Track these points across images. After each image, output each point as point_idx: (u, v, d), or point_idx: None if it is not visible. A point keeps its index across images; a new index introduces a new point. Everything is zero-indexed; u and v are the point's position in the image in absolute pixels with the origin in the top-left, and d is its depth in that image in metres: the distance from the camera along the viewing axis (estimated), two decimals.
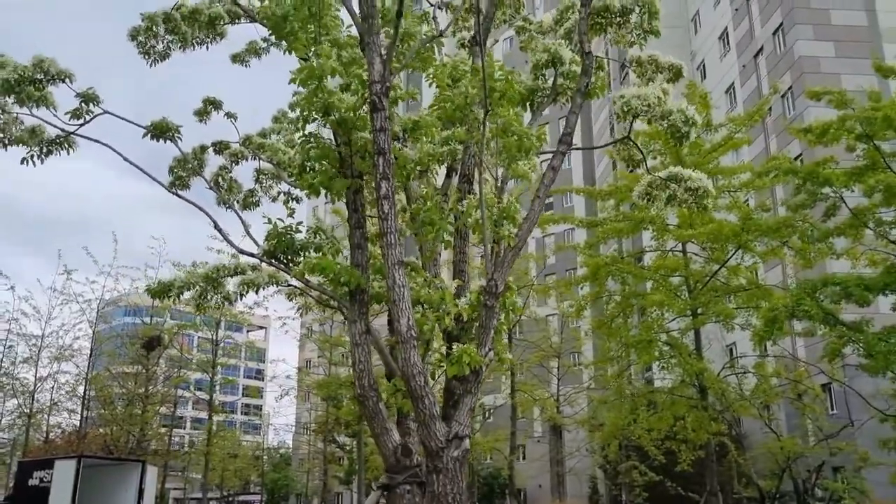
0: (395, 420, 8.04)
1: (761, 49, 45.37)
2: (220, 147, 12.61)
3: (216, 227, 9.53)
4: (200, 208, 9.68)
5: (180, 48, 11.31)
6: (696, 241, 23.69)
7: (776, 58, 43.64)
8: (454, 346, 7.06)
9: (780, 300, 20.58)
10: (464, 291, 7.96)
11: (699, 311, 22.89)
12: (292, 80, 8.01)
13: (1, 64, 8.60)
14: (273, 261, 8.69)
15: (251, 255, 8.88)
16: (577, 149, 12.03)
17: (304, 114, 7.96)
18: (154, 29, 10.93)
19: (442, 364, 7.20)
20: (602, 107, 59.31)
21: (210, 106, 12.89)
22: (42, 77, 8.79)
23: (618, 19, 8.97)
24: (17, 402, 37.32)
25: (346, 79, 7.47)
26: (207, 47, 12.21)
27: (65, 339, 36.55)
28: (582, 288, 28.86)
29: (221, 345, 42.31)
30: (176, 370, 40.85)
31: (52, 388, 37.28)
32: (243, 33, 32.13)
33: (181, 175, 11.94)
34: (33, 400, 37.39)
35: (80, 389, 36.65)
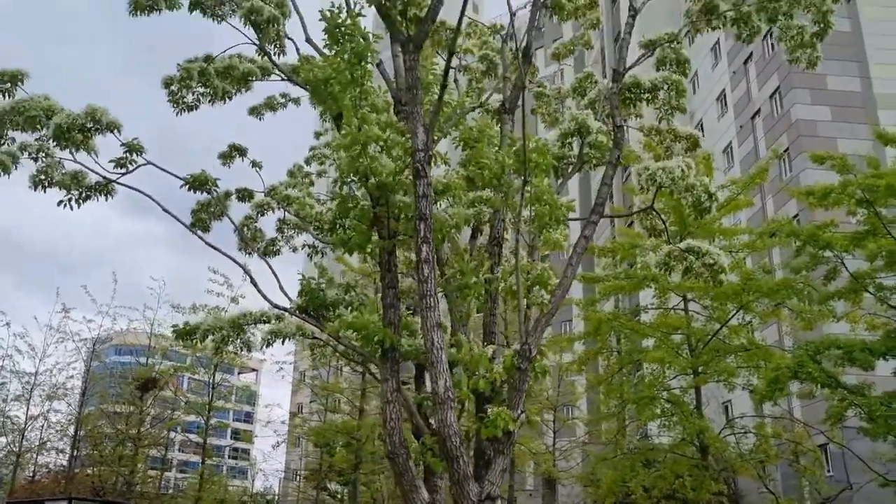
0: (422, 478, 8.16)
1: (758, 111, 46.32)
2: (244, 195, 12.91)
3: (250, 279, 9.75)
4: (232, 258, 9.93)
5: (209, 101, 11.67)
6: (697, 298, 23.99)
7: (773, 120, 44.55)
8: (488, 408, 7.24)
9: (781, 361, 20.81)
10: (496, 354, 8.18)
11: (700, 369, 23.08)
12: (334, 147, 8.31)
13: (51, 109, 8.89)
14: (305, 315, 8.88)
15: (284, 309, 9.09)
16: (608, 216, 12.38)
17: (344, 176, 8.23)
18: (187, 80, 11.29)
19: (475, 425, 7.36)
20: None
21: (235, 152, 13.26)
22: (92, 126, 9.08)
23: (646, 95, 9.37)
24: (5, 440, 36.85)
25: (387, 145, 7.78)
26: (232, 98, 12.60)
27: (58, 378, 36.28)
28: (583, 342, 29.01)
29: (217, 388, 42.07)
30: (169, 412, 40.49)
31: (43, 426, 36.92)
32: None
33: (202, 217, 12.21)
34: (23, 438, 36.95)
35: (72, 429, 36.31)
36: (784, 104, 43.28)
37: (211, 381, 42.02)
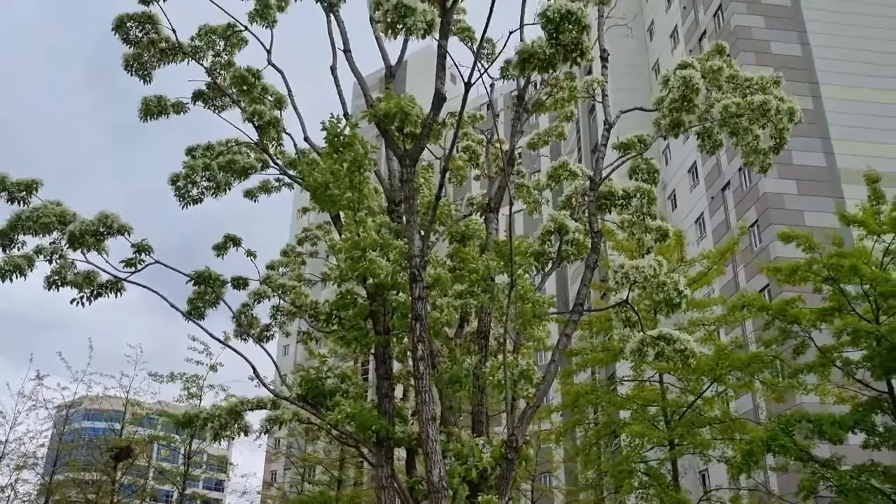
0: None
1: (728, 183, 47.89)
2: (239, 283, 13.45)
3: (253, 370, 10.25)
4: (237, 351, 10.44)
5: (213, 194, 12.34)
6: (673, 372, 24.63)
7: (742, 193, 46.07)
8: (478, 496, 7.74)
9: (754, 433, 21.41)
10: (485, 445, 8.71)
11: (676, 441, 23.57)
12: (335, 249, 8.97)
13: (63, 215, 9.49)
14: (304, 403, 9.37)
15: (285, 398, 9.58)
16: (589, 311, 13.08)
17: (343, 275, 8.86)
18: (192, 177, 11.97)
19: None
20: None
21: (230, 242, 13.84)
22: (104, 230, 9.67)
23: (620, 202, 10.19)
24: None
25: (384, 249, 8.43)
26: (232, 189, 13.29)
27: (28, 447, 35.67)
28: (560, 414, 29.42)
29: (194, 457, 41.54)
30: (142, 481, 39.83)
31: (10, 497, 36.13)
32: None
33: (199, 306, 12.70)
34: None
35: (42, 500, 35.62)
36: (752, 177, 44.83)
37: (187, 450, 41.52)
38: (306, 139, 12.36)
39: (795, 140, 45.48)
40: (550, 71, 7.88)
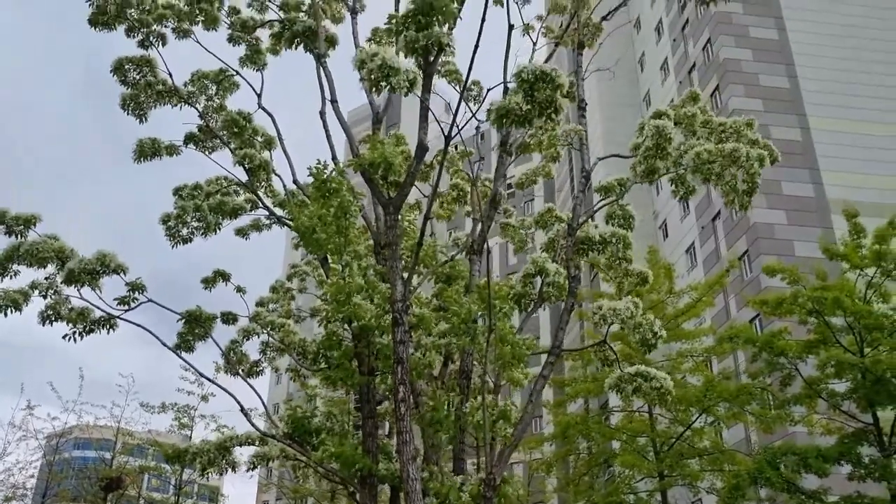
0: None
1: (719, 213, 48.37)
2: (228, 319, 13.71)
3: (241, 409, 10.48)
4: (225, 389, 10.68)
5: (203, 234, 12.64)
6: (658, 404, 24.81)
7: (732, 223, 46.55)
8: None
9: (743, 464, 21.58)
10: (464, 483, 8.94)
11: (665, 473, 23.72)
12: (325, 294, 9.27)
13: (61, 251, 9.81)
14: (291, 441, 9.62)
15: (272, 436, 9.82)
16: (565, 351, 13.40)
17: (330, 317, 9.15)
18: (183, 217, 12.29)
19: None
20: None
21: (219, 277, 14.13)
22: (101, 269, 9.98)
23: (597, 247, 10.54)
24: None
25: (369, 293, 8.74)
26: (222, 229, 13.60)
27: (17, 478, 35.46)
28: (551, 444, 29.55)
29: (185, 488, 41.37)
30: None
31: None
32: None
33: (188, 339, 12.94)
34: None
35: None
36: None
37: (178, 480, 41.34)
38: (295, 182, 12.72)
39: (785, 171, 46.13)
40: (526, 126, 8.25)
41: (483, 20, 8.61)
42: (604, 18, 12.83)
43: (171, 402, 33.39)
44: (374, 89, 8.17)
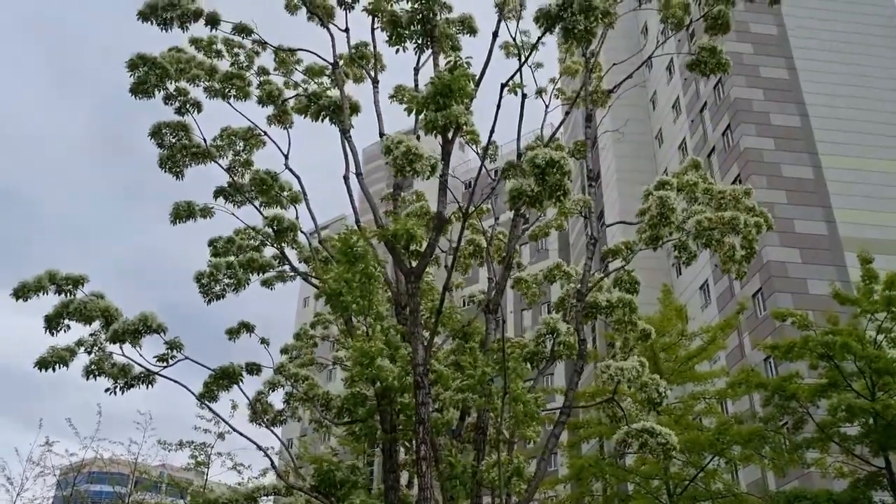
0: None
1: None
2: (253, 369, 14.31)
3: (270, 461, 11.05)
4: (250, 439, 11.25)
5: (234, 291, 13.33)
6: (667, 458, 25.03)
7: None
8: None
9: None
10: None
11: None
12: (350, 361, 9.90)
13: (107, 310, 10.54)
14: (318, 494, 10.18)
15: (299, 489, 10.39)
16: (577, 407, 13.90)
17: (355, 378, 9.76)
18: (216, 274, 13.00)
19: None
20: None
21: (243, 328, 14.77)
22: (143, 329, 10.71)
23: (605, 311, 11.13)
24: None
25: (392, 354, 9.35)
26: (250, 284, 14.30)
27: None
28: (565, 486, 29.76)
29: None
30: None
31: None
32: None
33: (212, 389, 13.54)
34: None
35: None
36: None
37: None
38: (320, 241, 13.43)
39: (797, 208, 46.41)
40: (537, 207, 8.90)
41: (499, 105, 9.35)
42: (611, 91, 13.55)
43: (187, 440, 33.88)
44: (398, 173, 8.87)
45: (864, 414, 21.32)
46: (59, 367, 10.68)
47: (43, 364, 10.88)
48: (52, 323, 11.09)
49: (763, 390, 23.62)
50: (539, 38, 10.73)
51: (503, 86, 10.28)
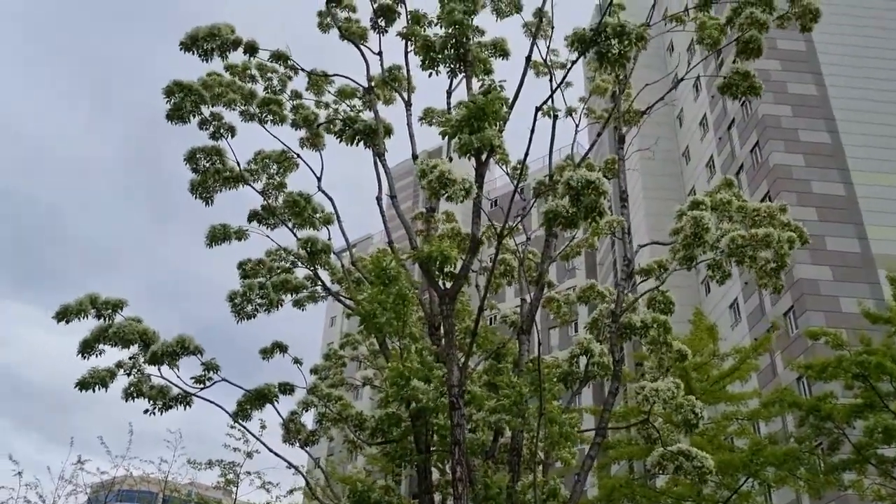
0: None
1: None
2: (286, 389, 14.42)
3: (306, 482, 11.13)
4: (286, 460, 11.35)
5: (266, 311, 13.49)
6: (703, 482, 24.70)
7: None
8: None
9: None
10: None
11: None
12: (385, 381, 9.97)
13: (145, 333, 10.75)
14: None
15: None
16: (611, 428, 13.85)
17: (390, 398, 9.82)
18: (249, 295, 13.17)
19: None
20: None
21: (277, 348, 14.90)
22: (180, 351, 10.90)
23: (639, 331, 11.11)
24: None
25: (426, 375, 9.41)
26: (283, 305, 14.43)
27: None
28: None
29: None
30: None
31: None
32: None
33: (246, 408, 13.66)
34: None
35: None
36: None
37: None
38: (353, 263, 13.57)
39: (829, 226, 45.85)
40: (572, 229, 8.95)
41: (532, 129, 9.43)
42: (643, 113, 13.60)
43: (217, 459, 34.05)
44: (432, 197, 8.98)
45: None
46: (99, 389, 10.88)
47: (84, 385, 11.09)
48: (87, 347, 11.31)
49: (797, 410, 23.27)
50: (573, 62, 10.83)
51: (537, 109, 10.39)
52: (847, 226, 45.64)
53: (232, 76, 14.15)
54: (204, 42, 12.62)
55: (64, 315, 11.14)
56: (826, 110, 49.17)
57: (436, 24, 11.85)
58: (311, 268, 13.44)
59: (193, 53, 12.59)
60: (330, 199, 14.18)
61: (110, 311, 11.23)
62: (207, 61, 12.79)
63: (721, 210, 11.70)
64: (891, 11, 53.92)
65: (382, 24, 14.26)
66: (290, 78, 14.78)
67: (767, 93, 48.45)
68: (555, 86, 12.61)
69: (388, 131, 13.51)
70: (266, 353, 14.73)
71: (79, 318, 11.14)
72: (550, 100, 11.05)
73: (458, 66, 10.78)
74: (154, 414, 11.23)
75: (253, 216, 14.92)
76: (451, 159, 10.63)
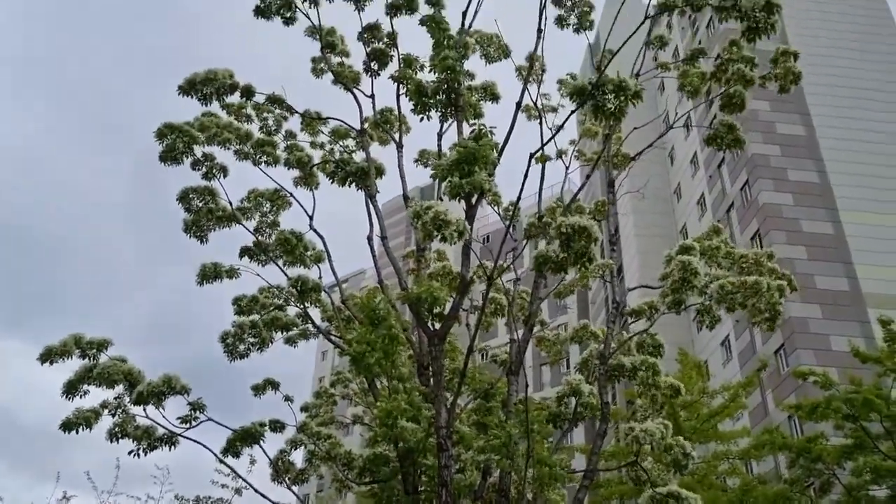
0: None
1: None
2: (276, 426, 14.36)
3: None
4: (273, 501, 11.26)
5: (258, 350, 13.51)
6: None
7: None
8: None
9: None
10: None
11: None
12: (373, 420, 9.99)
13: (130, 373, 10.72)
14: None
15: None
16: (600, 470, 13.85)
17: (377, 438, 9.82)
18: (241, 335, 13.19)
19: None
20: None
21: (268, 385, 14.88)
22: (167, 390, 10.89)
23: (628, 373, 11.18)
24: None
25: (415, 415, 9.43)
26: (274, 342, 14.47)
27: None
28: None
29: None
30: None
31: None
32: None
33: (235, 446, 13.58)
34: None
35: None
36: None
37: None
38: (343, 302, 13.63)
39: (818, 264, 46.01)
40: (561, 273, 9.07)
41: (526, 174, 9.59)
42: (633, 158, 13.84)
43: (205, 496, 33.62)
44: (426, 238, 9.10)
45: (891, 476, 20.90)
46: (83, 430, 10.82)
47: (68, 426, 11.02)
48: (71, 388, 11.28)
49: (788, 451, 23.25)
50: (572, 112, 11.06)
51: (531, 156, 10.57)
52: (836, 264, 45.87)
53: (229, 115, 14.34)
54: (202, 86, 12.82)
55: (48, 356, 11.11)
56: (814, 150, 49.77)
57: (428, 70, 12.09)
58: (301, 306, 13.49)
59: (192, 97, 12.77)
60: (321, 237, 14.28)
61: (94, 350, 11.21)
62: (206, 105, 12.98)
63: (710, 256, 11.86)
64: (875, 53, 54.98)
65: (375, 67, 14.51)
66: (285, 118, 14.97)
67: (756, 132, 49.09)
68: (545, 130, 12.87)
69: (380, 172, 13.68)
70: (258, 389, 14.72)
71: (63, 360, 11.11)
72: (542, 144, 11.23)
73: (449, 110, 10.97)
74: (139, 455, 11.16)
75: (244, 253, 14.99)
76: (441, 200, 10.77)
